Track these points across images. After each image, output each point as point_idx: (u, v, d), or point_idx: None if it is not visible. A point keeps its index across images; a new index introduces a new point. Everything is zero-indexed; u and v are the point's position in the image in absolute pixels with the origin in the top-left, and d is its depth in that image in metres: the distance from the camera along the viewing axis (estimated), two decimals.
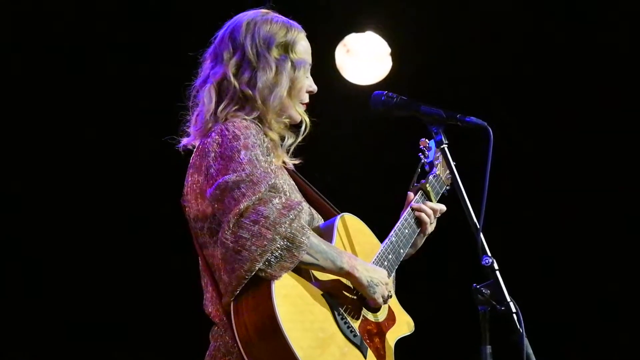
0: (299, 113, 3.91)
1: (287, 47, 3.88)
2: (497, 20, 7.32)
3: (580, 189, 7.48)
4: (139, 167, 7.04)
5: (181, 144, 3.90)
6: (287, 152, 3.96)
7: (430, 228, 4.23)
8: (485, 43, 7.39)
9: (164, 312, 7.12)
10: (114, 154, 7.10)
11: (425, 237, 4.24)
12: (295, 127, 3.95)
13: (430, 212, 4.20)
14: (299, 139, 3.96)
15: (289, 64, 3.87)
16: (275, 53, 3.85)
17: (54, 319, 7.10)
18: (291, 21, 3.96)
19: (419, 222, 4.19)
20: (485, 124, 3.73)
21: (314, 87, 3.98)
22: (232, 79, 3.83)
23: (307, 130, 3.95)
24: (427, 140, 4.30)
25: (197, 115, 3.87)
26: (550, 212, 7.55)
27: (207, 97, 3.85)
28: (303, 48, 3.93)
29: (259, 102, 3.81)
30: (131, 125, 7.03)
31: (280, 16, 3.95)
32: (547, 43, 7.38)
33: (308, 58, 3.95)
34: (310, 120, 3.96)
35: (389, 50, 7.39)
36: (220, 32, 3.94)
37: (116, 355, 7.15)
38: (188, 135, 3.89)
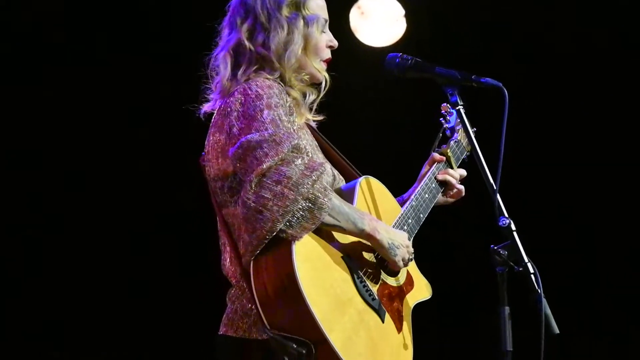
0: (317, 69, 3.90)
1: (298, 5, 3.87)
2: None
3: (600, 150, 7.46)
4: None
5: (202, 110, 3.90)
6: (310, 110, 3.96)
7: (462, 193, 4.27)
8: (501, 6, 7.34)
9: (180, 277, 7.16)
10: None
11: (449, 203, 4.30)
12: (317, 84, 3.95)
13: (454, 179, 4.25)
14: (321, 96, 3.95)
15: (301, 21, 3.86)
16: (286, 12, 3.84)
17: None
18: None
19: (440, 187, 4.22)
20: (501, 84, 3.71)
21: (334, 42, 3.97)
22: (246, 42, 3.82)
23: (327, 87, 3.94)
24: (448, 105, 4.27)
25: (217, 82, 3.87)
26: (569, 172, 7.53)
27: (222, 63, 3.85)
28: (315, 4, 3.91)
29: (276, 62, 3.81)
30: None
31: None
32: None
33: (322, 13, 3.93)
34: (330, 76, 3.95)
35: (403, 12, 7.35)
36: (233, 0, 3.94)
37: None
38: (209, 101, 3.90)
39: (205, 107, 3.89)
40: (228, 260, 3.74)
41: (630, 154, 7.43)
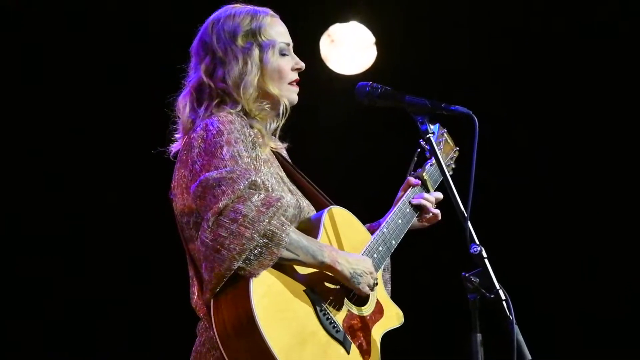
0: (277, 95, 3.88)
1: (253, 34, 3.88)
2: (484, 8, 7.32)
3: (569, 176, 7.49)
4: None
5: (172, 151, 3.91)
6: (275, 136, 3.96)
7: (432, 218, 4.27)
8: (472, 32, 7.38)
9: (153, 307, 7.12)
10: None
11: (424, 227, 4.30)
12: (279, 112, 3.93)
13: (429, 203, 4.23)
14: (282, 121, 3.95)
15: (256, 49, 3.87)
16: (241, 42, 3.86)
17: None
18: (258, 8, 3.96)
19: (414, 212, 4.20)
20: (471, 112, 3.72)
21: (300, 64, 3.97)
22: (206, 80, 3.85)
23: (288, 111, 3.93)
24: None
25: (180, 122, 3.89)
26: (540, 198, 7.56)
27: (182, 104, 3.88)
28: (273, 30, 3.93)
29: (235, 94, 3.82)
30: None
31: (246, 6, 3.96)
32: (536, 32, 7.38)
33: (280, 38, 3.93)
34: (295, 107, 3.95)
35: (373, 39, 7.37)
36: (193, 42, 3.97)
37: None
38: (176, 141, 3.91)
39: (173, 147, 3.90)
40: (196, 294, 3.73)
41: (609, 175, 7.47)
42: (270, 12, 3.97)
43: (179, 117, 3.90)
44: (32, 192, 7.07)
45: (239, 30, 3.87)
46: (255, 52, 3.87)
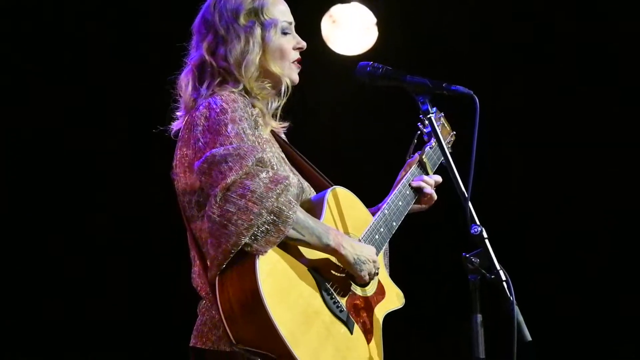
0: (279, 73, 3.89)
1: (256, 12, 3.87)
2: None
3: (572, 156, 7.49)
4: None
5: (172, 129, 3.90)
6: (275, 117, 3.95)
7: (433, 199, 4.27)
8: (472, 13, 7.36)
9: (153, 287, 7.13)
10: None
11: (423, 210, 4.29)
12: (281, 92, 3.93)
13: (428, 186, 4.24)
14: (284, 100, 3.95)
15: (258, 28, 3.86)
16: (243, 21, 3.85)
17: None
18: None
19: (414, 194, 4.21)
20: (472, 92, 3.72)
21: (302, 43, 3.97)
22: (208, 58, 3.84)
23: (289, 91, 3.94)
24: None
25: (182, 100, 3.88)
26: (541, 178, 7.55)
27: (184, 81, 3.87)
28: (275, 8, 3.92)
29: (237, 73, 3.82)
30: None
31: None
32: (538, 12, 7.36)
33: (282, 17, 3.93)
34: (296, 87, 3.95)
35: (374, 20, 7.36)
36: (195, 20, 3.96)
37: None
38: (177, 119, 3.90)
39: (174, 125, 3.89)
40: (197, 273, 3.73)
41: (608, 162, 7.47)
42: None
43: (180, 95, 3.88)
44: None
45: (241, 8, 3.86)
46: (258, 30, 3.86)
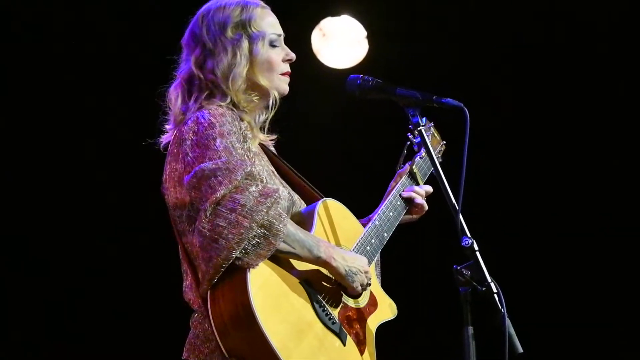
0: (266, 86, 3.88)
1: (243, 25, 3.87)
2: (476, 2, 7.32)
3: (560, 170, 7.51)
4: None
5: (162, 142, 3.90)
6: (262, 130, 3.95)
7: (424, 210, 4.26)
8: (463, 26, 7.38)
9: (145, 300, 7.12)
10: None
11: (413, 220, 4.28)
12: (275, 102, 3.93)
13: (419, 196, 4.23)
14: (272, 113, 3.94)
15: (245, 41, 3.86)
16: (230, 34, 3.85)
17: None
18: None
19: (405, 205, 4.21)
20: (462, 105, 3.72)
21: (291, 55, 3.96)
22: (196, 71, 3.84)
23: (277, 104, 3.93)
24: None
25: (171, 113, 3.88)
26: (531, 190, 7.57)
27: (173, 95, 3.87)
28: (263, 21, 3.91)
29: (224, 86, 3.81)
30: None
31: None
32: (528, 25, 7.38)
33: (270, 29, 3.92)
34: (284, 99, 3.94)
35: (365, 33, 7.37)
36: (185, 34, 3.96)
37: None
38: (166, 133, 3.90)
39: (163, 139, 3.89)
40: (189, 287, 3.72)
41: (600, 173, 7.50)
42: (261, 3, 3.96)
43: (170, 108, 3.89)
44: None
45: (228, 21, 3.86)
46: (245, 43, 3.86)
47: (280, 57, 3.93)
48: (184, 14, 4.00)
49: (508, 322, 3.47)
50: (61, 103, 7.02)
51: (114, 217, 7.15)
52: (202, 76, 3.84)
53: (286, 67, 3.95)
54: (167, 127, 3.89)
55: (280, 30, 3.96)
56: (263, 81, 3.88)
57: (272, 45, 3.91)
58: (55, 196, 7.10)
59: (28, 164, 7.04)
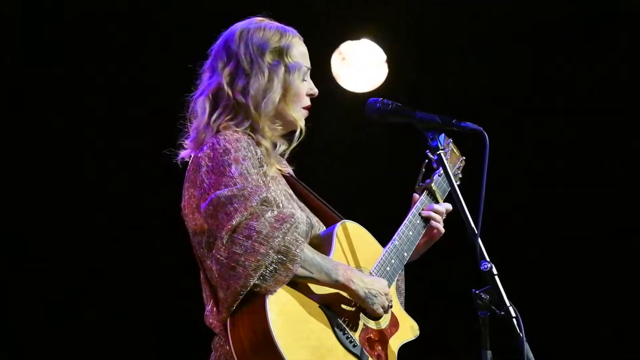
0: (295, 118, 3.88)
1: (281, 52, 3.86)
2: (494, 26, 7.33)
3: (578, 192, 7.50)
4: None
5: (179, 157, 3.89)
6: (283, 157, 3.95)
7: (441, 231, 4.20)
8: (482, 50, 7.39)
9: (167, 322, 7.14)
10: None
11: (434, 241, 4.21)
12: (289, 134, 3.93)
13: (437, 214, 4.16)
14: (295, 144, 3.94)
15: (283, 68, 3.84)
16: (268, 59, 3.83)
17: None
18: (286, 27, 3.94)
19: (425, 224, 4.15)
20: (481, 129, 3.72)
21: (315, 90, 3.96)
22: (226, 87, 3.81)
23: (302, 136, 3.92)
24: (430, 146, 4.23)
25: (193, 127, 3.86)
26: (549, 216, 7.56)
27: (200, 108, 3.84)
28: (298, 52, 3.91)
29: (252, 109, 3.79)
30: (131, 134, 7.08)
31: (274, 22, 3.94)
32: (546, 47, 7.39)
33: (304, 61, 3.92)
34: (306, 125, 3.92)
35: (384, 57, 7.39)
36: (216, 43, 3.94)
37: None
38: (185, 147, 3.88)
39: (182, 154, 3.88)
40: (210, 311, 3.71)
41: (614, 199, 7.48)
42: (297, 33, 3.95)
43: (193, 120, 3.87)
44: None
45: (267, 45, 3.85)
46: (281, 71, 3.84)
47: (305, 90, 3.93)
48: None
49: (526, 346, 3.47)
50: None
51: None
52: (230, 93, 3.81)
53: (308, 102, 3.95)
54: (187, 142, 3.87)
55: (309, 63, 3.95)
56: (293, 112, 3.88)
57: (303, 78, 3.92)
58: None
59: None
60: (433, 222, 4.17)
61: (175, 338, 7.12)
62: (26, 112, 7.04)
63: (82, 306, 7.20)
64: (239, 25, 3.92)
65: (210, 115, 3.81)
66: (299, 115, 3.90)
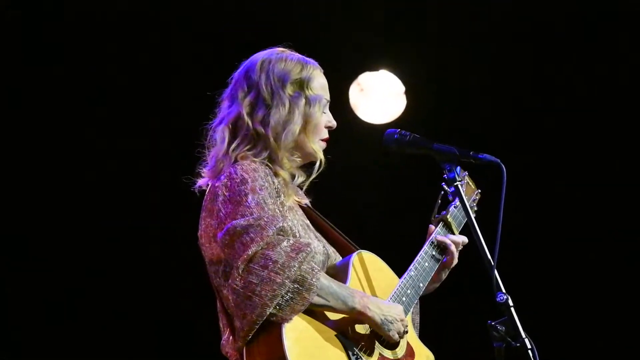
0: (314, 149, 3.89)
1: (302, 84, 3.87)
2: (511, 58, 7.36)
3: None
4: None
5: (196, 185, 3.91)
6: (301, 189, 3.96)
7: (454, 261, 4.19)
8: (500, 81, 7.41)
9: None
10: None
11: (448, 271, 4.19)
12: (306, 165, 3.93)
13: (453, 245, 4.14)
14: (314, 176, 3.95)
15: (303, 100, 3.86)
16: (289, 90, 3.85)
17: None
18: (307, 58, 3.96)
19: (441, 255, 4.14)
20: (499, 160, 3.74)
21: (333, 123, 3.96)
22: (246, 117, 3.83)
23: (322, 168, 3.93)
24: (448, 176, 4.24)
25: (211, 156, 3.88)
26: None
27: (220, 137, 3.86)
28: (319, 84, 3.92)
29: (272, 139, 3.80)
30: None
31: (296, 54, 3.96)
32: (565, 76, 7.41)
33: (324, 94, 3.93)
34: (325, 157, 3.94)
35: (403, 88, 7.41)
36: (236, 72, 3.95)
37: None
38: (202, 176, 3.90)
39: (199, 183, 3.89)
40: (227, 340, 3.72)
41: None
42: (318, 64, 3.97)
43: (211, 148, 3.88)
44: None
45: (289, 77, 3.86)
46: (302, 102, 3.86)
47: (324, 122, 3.94)
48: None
49: None
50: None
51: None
52: (250, 124, 3.82)
53: (326, 134, 3.96)
54: (204, 170, 3.89)
55: (329, 96, 3.96)
56: (313, 144, 3.89)
57: (323, 110, 3.94)
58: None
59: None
60: (451, 247, 4.12)
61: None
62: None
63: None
64: (260, 55, 3.94)
65: (230, 144, 3.83)
66: (318, 147, 3.91)
